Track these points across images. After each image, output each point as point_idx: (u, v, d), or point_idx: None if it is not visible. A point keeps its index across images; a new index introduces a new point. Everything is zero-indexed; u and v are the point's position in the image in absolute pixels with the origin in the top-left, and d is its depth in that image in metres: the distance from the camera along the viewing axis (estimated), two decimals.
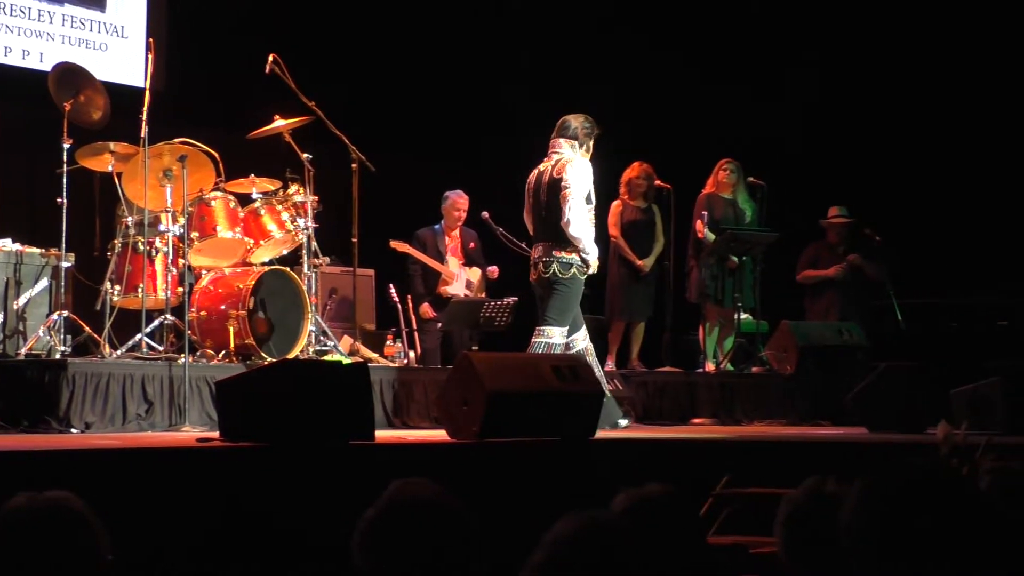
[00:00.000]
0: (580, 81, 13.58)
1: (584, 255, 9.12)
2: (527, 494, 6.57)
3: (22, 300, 9.41)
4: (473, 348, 11.12)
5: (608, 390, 9.19)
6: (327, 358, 9.68)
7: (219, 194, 9.77)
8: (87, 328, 9.35)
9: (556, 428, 7.68)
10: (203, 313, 9.57)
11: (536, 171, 9.31)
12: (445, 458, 7.24)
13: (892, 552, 2.35)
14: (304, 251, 10.03)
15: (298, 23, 12.58)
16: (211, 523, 5.92)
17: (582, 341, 9.34)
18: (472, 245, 12.16)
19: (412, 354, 11.60)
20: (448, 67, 13.64)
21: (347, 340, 10.28)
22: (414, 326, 12.02)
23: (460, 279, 12.00)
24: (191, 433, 8.05)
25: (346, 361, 9.30)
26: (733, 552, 5.49)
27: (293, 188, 10.04)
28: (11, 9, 11.59)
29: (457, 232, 12.12)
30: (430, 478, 2.96)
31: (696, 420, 10.83)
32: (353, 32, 13.14)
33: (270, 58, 10.01)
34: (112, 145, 9.41)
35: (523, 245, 11.81)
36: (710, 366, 11.82)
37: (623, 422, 9.55)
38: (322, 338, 9.99)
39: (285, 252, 10.22)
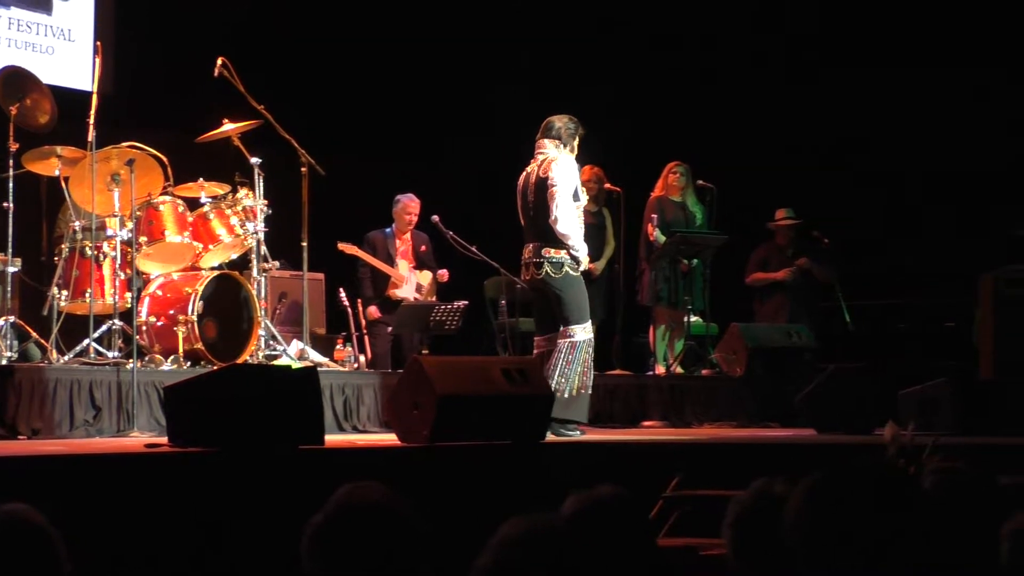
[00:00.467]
0: (534, 85, 13.60)
1: (574, 252, 9.12)
2: (478, 498, 6.57)
3: None
4: (423, 352, 11.10)
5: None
6: (277, 363, 9.65)
7: (167, 198, 9.72)
8: (34, 334, 9.30)
9: (507, 431, 7.68)
10: (152, 318, 9.53)
11: (524, 173, 9.32)
12: (395, 462, 7.23)
13: (834, 552, 2.36)
14: (253, 255, 9.99)
15: (247, 27, 12.53)
16: (160, 530, 5.89)
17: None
18: (423, 248, 12.14)
19: (362, 358, 11.58)
20: (398, 69, 13.62)
21: (296, 344, 10.25)
22: (364, 330, 12.00)
23: (410, 282, 11.99)
24: (139, 439, 8.00)
25: (296, 365, 9.27)
26: (683, 554, 5.51)
27: (242, 192, 10.00)
28: None
29: (408, 235, 12.10)
30: (381, 482, 2.95)
31: (646, 422, 10.85)
32: (302, 35, 13.10)
33: (219, 62, 9.97)
34: (59, 149, 9.35)
35: (474, 249, 11.81)
36: (660, 369, 11.86)
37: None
38: (272, 342, 9.96)
39: (234, 256, 10.18)
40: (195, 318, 9.43)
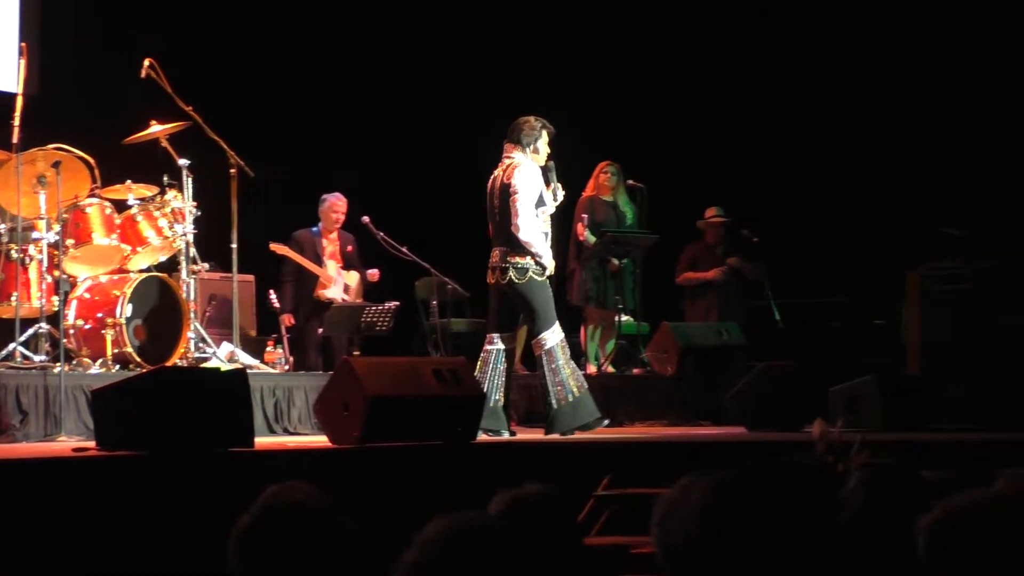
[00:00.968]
0: (462, 85, 13.60)
1: (538, 258, 9.13)
2: (409, 498, 6.56)
3: None
4: (354, 353, 11.08)
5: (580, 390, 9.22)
6: (206, 365, 9.60)
7: (95, 200, 9.65)
8: None
9: (438, 432, 7.68)
10: (79, 321, 9.45)
11: (491, 177, 9.32)
12: (326, 463, 7.21)
13: (724, 556, 2.37)
14: (182, 257, 9.93)
15: (175, 27, 12.44)
16: (88, 534, 5.85)
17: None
18: (350, 248, 12.09)
19: (293, 359, 11.53)
20: (326, 69, 13.58)
21: (226, 347, 10.20)
22: (285, 335, 11.93)
23: (338, 283, 11.94)
24: (67, 443, 7.94)
25: (225, 368, 9.22)
26: (613, 552, 5.53)
27: (171, 194, 9.94)
28: None
29: (335, 235, 12.05)
30: (310, 484, 2.94)
31: None
32: (231, 35, 13.03)
33: (146, 63, 9.91)
34: None
35: (404, 249, 11.81)
36: (592, 368, 11.88)
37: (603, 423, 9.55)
38: (201, 345, 9.91)
39: (163, 259, 10.12)
40: (123, 321, 9.36)
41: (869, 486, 3.30)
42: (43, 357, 8.98)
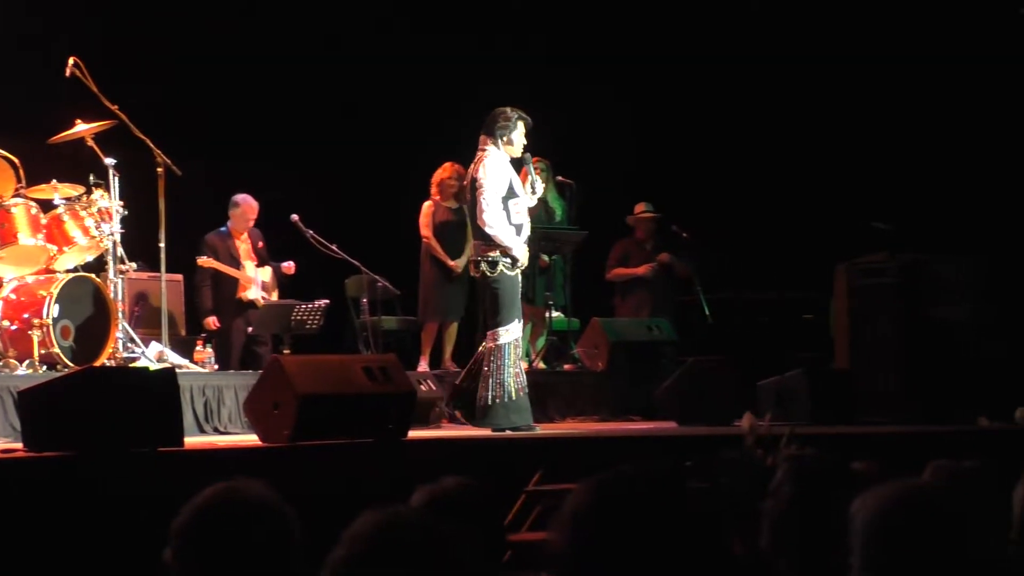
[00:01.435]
0: (389, 83, 13.57)
1: (508, 251, 9.12)
2: (341, 496, 6.55)
3: None
4: (284, 351, 11.04)
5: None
6: (135, 365, 9.54)
7: (20, 200, 9.56)
8: None
9: (369, 429, 7.68)
10: (5, 322, 9.36)
11: (468, 171, 9.34)
12: (256, 462, 7.18)
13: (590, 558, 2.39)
14: (110, 257, 9.86)
15: (99, 26, 12.34)
16: (15, 535, 5.80)
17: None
18: (260, 245, 11.99)
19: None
20: (253, 68, 13.50)
21: (155, 346, 10.13)
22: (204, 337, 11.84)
23: (257, 282, 11.87)
24: None
25: (154, 367, 9.17)
26: (543, 548, 5.53)
27: (97, 193, 9.86)
28: None
29: (246, 235, 11.95)
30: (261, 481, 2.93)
31: None
32: (157, 34, 12.93)
33: (70, 61, 9.84)
34: None
35: (334, 247, 11.77)
36: (523, 364, 11.88)
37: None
38: (130, 345, 9.85)
39: (90, 258, 10.04)
40: (50, 322, 9.28)
41: (797, 478, 3.33)
42: None
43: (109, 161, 9.88)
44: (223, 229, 11.86)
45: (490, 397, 9.13)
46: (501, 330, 9.18)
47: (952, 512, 2.64)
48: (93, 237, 9.78)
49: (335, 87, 13.68)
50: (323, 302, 11.49)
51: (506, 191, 9.17)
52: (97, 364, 9.26)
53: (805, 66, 13.43)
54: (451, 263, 11.85)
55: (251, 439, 7.98)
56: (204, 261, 11.58)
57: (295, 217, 11.76)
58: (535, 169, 12.09)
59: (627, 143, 13.88)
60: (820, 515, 3.24)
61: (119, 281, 9.90)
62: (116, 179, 9.89)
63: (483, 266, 9.18)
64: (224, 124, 13.11)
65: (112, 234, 9.84)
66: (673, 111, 13.86)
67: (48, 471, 6.34)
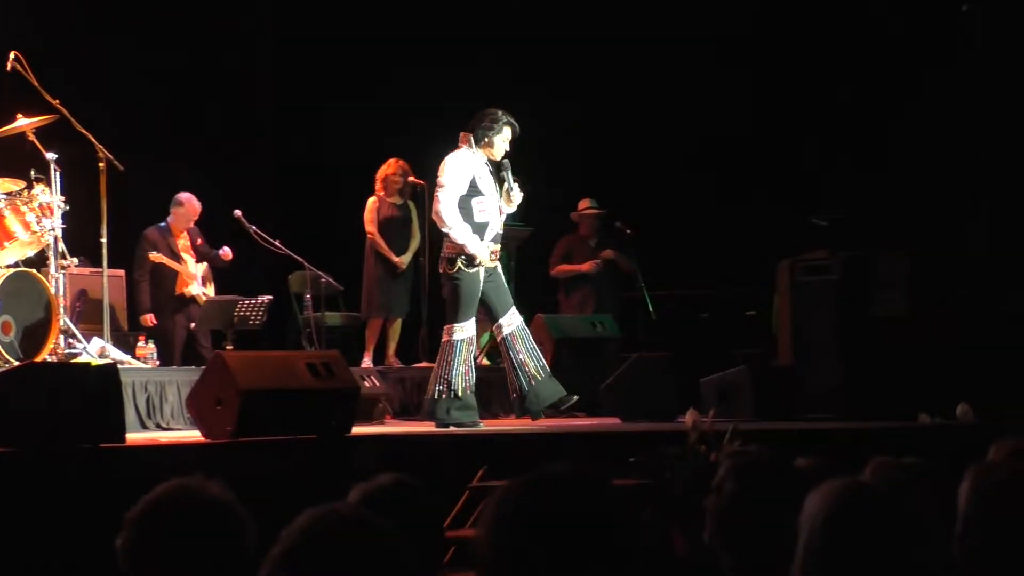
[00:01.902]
0: (339, 81, 13.53)
1: (465, 249, 9.10)
2: (283, 493, 6.53)
3: None
4: (227, 347, 10.99)
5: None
6: (76, 360, 9.48)
7: None
8: None
9: (312, 425, 7.66)
10: None
11: None
12: (199, 458, 7.16)
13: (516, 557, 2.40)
14: (51, 252, 9.79)
15: (42, 20, 12.24)
16: None
17: (507, 327, 9.40)
18: (200, 241, 11.93)
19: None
20: (198, 64, 13.44)
21: (97, 342, 10.07)
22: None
23: (199, 279, 11.81)
24: None
25: (96, 363, 9.11)
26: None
27: (38, 188, 9.79)
28: None
29: (185, 232, 11.88)
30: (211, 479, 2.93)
31: None
32: (99, 28, 12.85)
33: (11, 55, 9.76)
34: None
35: (277, 243, 11.73)
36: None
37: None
38: (71, 340, 9.79)
39: (31, 254, 9.96)
40: None
41: (740, 474, 3.35)
42: None
43: (50, 156, 9.80)
44: (163, 225, 11.78)
45: (436, 392, 9.15)
46: (456, 326, 9.21)
47: (896, 509, 2.66)
48: (34, 232, 9.71)
49: (278, 82, 13.65)
50: (266, 298, 11.46)
51: (467, 189, 9.16)
52: (38, 360, 9.20)
53: (748, 60, 13.48)
54: (395, 259, 11.84)
55: (194, 435, 7.95)
56: (156, 256, 11.52)
57: (238, 212, 11.71)
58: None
59: (571, 138, 13.88)
60: (763, 511, 3.26)
61: (60, 276, 9.83)
62: (58, 174, 9.81)
63: (444, 264, 9.23)
64: (166, 119, 13.06)
65: (53, 229, 9.76)
66: (617, 106, 13.87)
67: None
